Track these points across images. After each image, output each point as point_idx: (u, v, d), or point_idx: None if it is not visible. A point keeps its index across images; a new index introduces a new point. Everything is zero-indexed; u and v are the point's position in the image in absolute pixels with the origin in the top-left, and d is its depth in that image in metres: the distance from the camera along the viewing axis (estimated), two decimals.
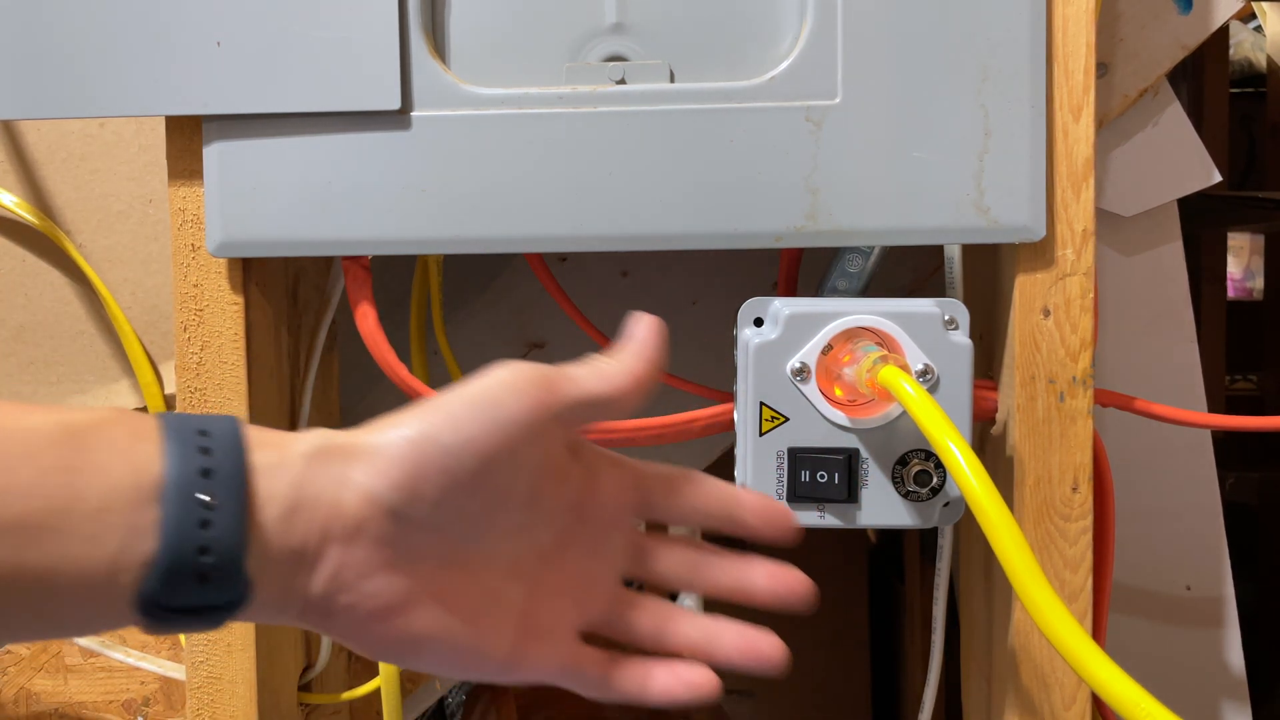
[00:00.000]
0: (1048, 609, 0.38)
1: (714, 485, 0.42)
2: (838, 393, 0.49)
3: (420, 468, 0.36)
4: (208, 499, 0.33)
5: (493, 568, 0.39)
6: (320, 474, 0.36)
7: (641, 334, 0.42)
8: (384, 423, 0.37)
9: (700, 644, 0.41)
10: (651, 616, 0.42)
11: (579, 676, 0.40)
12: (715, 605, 0.45)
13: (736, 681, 1.53)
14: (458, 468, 0.37)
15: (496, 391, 0.38)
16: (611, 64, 0.52)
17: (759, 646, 0.41)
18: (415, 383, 0.55)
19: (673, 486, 0.42)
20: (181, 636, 0.70)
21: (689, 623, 0.42)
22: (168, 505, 0.33)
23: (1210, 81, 1.24)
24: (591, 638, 0.42)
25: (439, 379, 0.72)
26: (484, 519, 0.38)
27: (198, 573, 0.33)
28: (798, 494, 0.49)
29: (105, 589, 0.33)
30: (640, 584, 0.44)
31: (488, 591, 0.39)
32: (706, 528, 0.43)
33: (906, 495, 0.49)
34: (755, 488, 0.49)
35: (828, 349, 0.49)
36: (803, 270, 0.62)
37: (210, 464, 0.34)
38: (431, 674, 0.39)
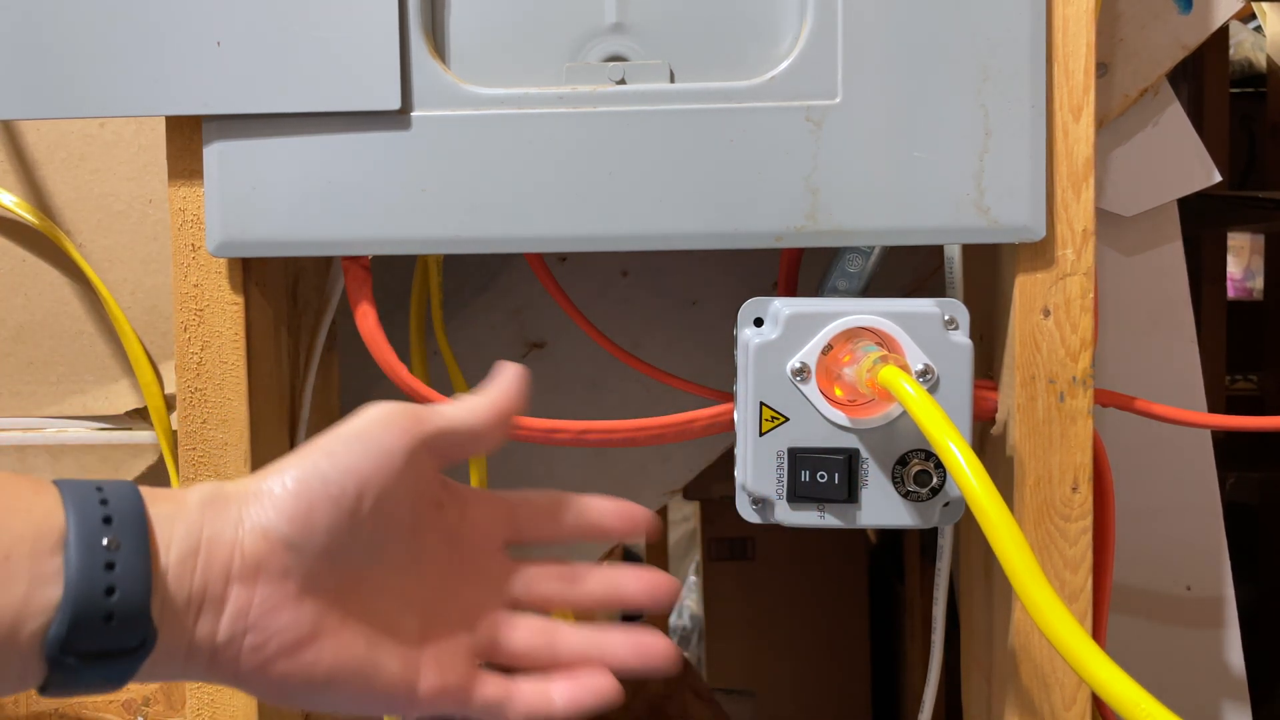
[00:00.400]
0: (1048, 609, 0.38)
1: (574, 501, 0.46)
2: (838, 393, 0.49)
3: (309, 500, 0.39)
4: (110, 541, 0.35)
5: (386, 599, 0.41)
6: (216, 518, 0.38)
7: (504, 377, 0.45)
8: (268, 469, 0.40)
9: (590, 651, 0.44)
10: (539, 634, 0.44)
11: (482, 703, 0.42)
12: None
13: (736, 681, 1.53)
14: (341, 495, 0.39)
15: (368, 426, 0.40)
16: (611, 64, 0.52)
17: (647, 644, 0.44)
18: (415, 383, 0.55)
19: (539, 511, 0.46)
20: None
21: (574, 634, 0.44)
22: (71, 550, 0.34)
23: (1210, 81, 1.24)
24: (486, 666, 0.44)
25: (439, 379, 0.72)
26: (374, 547, 0.41)
27: (104, 614, 0.34)
28: (798, 494, 0.49)
29: (11, 635, 0.33)
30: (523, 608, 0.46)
31: (384, 622, 0.41)
32: (576, 541, 0.46)
33: (906, 495, 0.49)
34: (755, 488, 0.49)
35: (828, 349, 0.49)
36: (803, 270, 0.62)
37: (110, 512, 0.35)
38: (335, 712, 0.40)
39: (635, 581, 0.45)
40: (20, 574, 0.33)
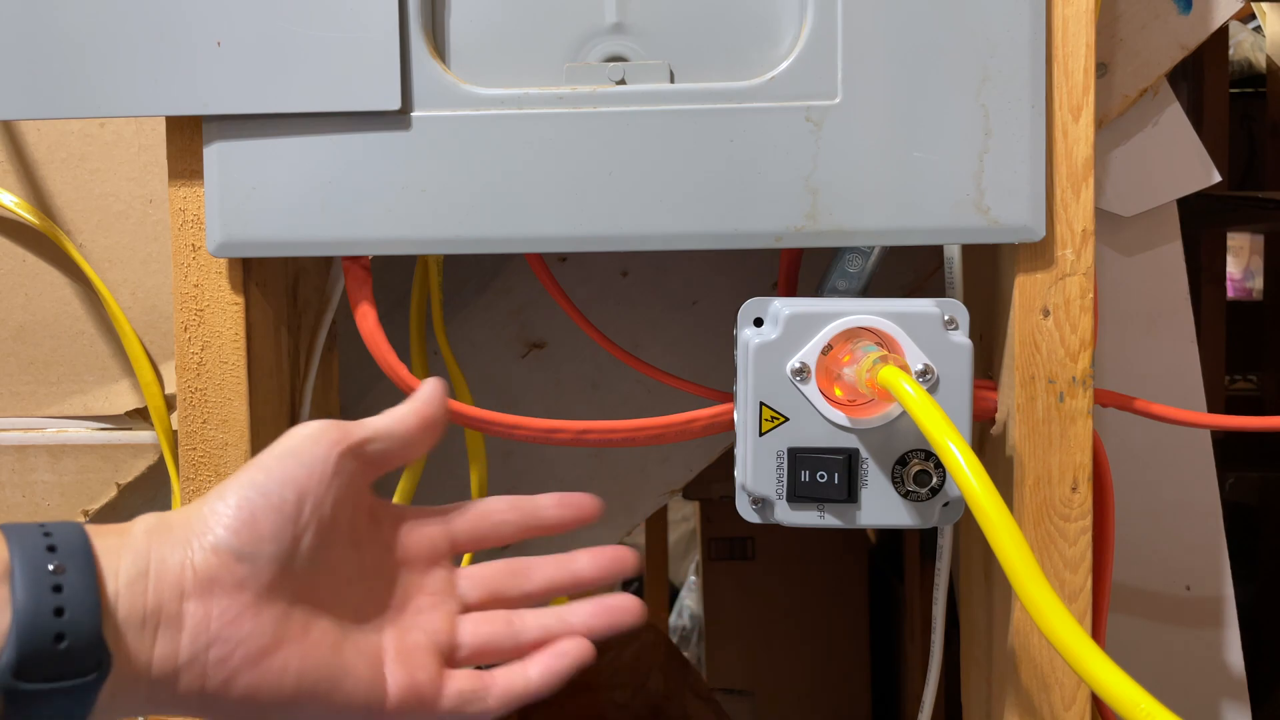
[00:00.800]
0: (1047, 609, 0.38)
1: (507, 501, 0.47)
2: (838, 393, 0.49)
3: (251, 511, 0.40)
4: (55, 567, 0.35)
5: (340, 608, 0.42)
6: (163, 543, 0.39)
7: (426, 387, 0.47)
8: (205, 495, 0.41)
9: (554, 626, 0.45)
10: (497, 623, 0.45)
11: (456, 696, 0.43)
12: None
13: (736, 681, 1.53)
14: (281, 503, 0.40)
15: (298, 442, 0.42)
16: (611, 64, 0.52)
17: (611, 604, 0.45)
18: (415, 383, 0.55)
19: (472, 515, 0.47)
20: None
21: (533, 614, 0.45)
22: (16, 578, 0.34)
23: (1210, 81, 1.24)
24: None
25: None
26: (319, 552, 0.42)
27: (53, 635, 0.34)
28: (798, 494, 0.49)
29: None
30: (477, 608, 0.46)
31: (344, 633, 0.42)
32: (516, 539, 0.47)
33: (906, 495, 0.49)
34: (755, 488, 0.49)
35: (828, 349, 0.49)
36: (803, 270, 0.62)
37: (54, 543, 0.36)
38: None
39: (587, 558, 0.46)
40: None
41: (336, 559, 0.43)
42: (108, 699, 0.36)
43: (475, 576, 0.46)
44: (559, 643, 0.44)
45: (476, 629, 0.45)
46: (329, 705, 0.40)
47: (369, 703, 0.41)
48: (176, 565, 0.38)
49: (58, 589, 0.35)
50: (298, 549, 0.41)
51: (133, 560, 0.38)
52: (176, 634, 0.38)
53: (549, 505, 0.47)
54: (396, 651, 0.43)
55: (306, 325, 0.64)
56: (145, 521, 0.40)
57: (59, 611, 0.34)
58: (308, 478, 0.41)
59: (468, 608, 0.45)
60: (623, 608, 0.45)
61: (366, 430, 0.44)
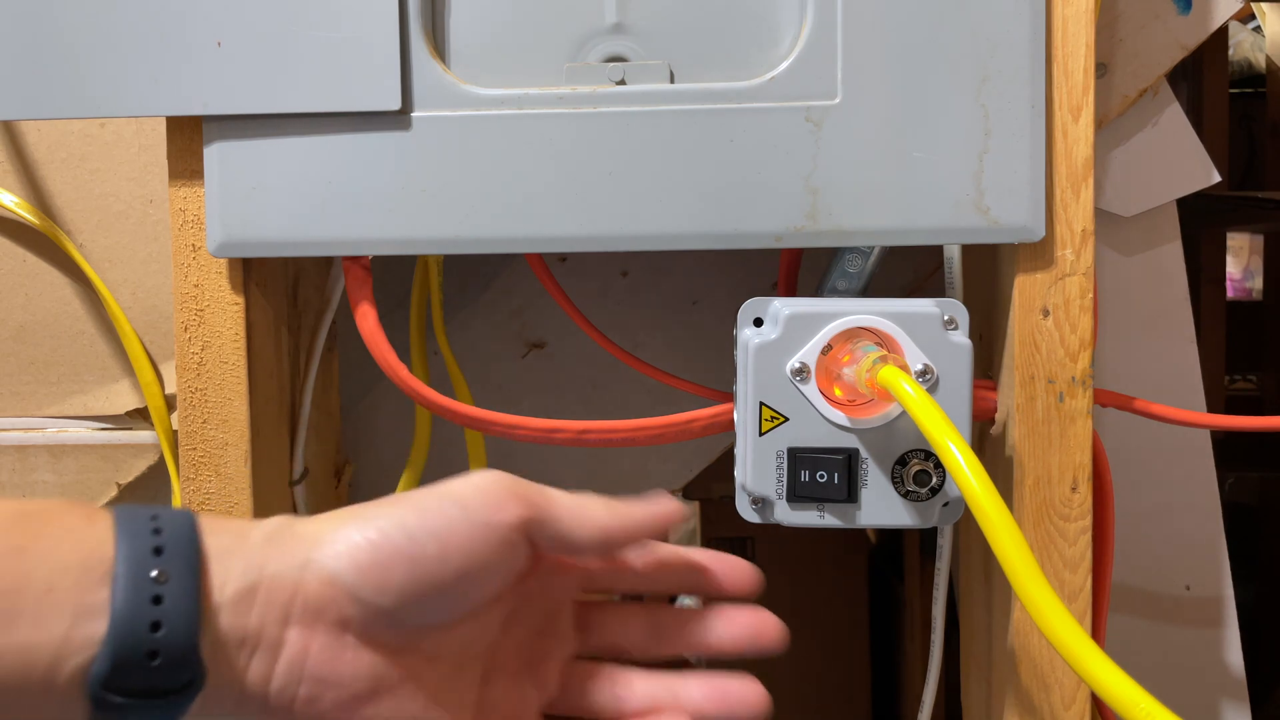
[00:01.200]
0: (1047, 609, 0.38)
1: (653, 548, 0.42)
2: (837, 393, 0.49)
3: (387, 554, 0.35)
4: (159, 574, 0.33)
5: (445, 653, 0.38)
6: (281, 556, 0.35)
7: (657, 503, 0.40)
8: (351, 512, 0.37)
9: (662, 697, 0.40)
10: (608, 684, 0.40)
11: None
12: None
13: None
14: (421, 556, 0.36)
15: (471, 493, 0.37)
16: (611, 64, 0.52)
17: (731, 690, 0.40)
18: (415, 383, 0.55)
19: (614, 564, 0.42)
20: None
21: (644, 682, 0.40)
22: (118, 582, 0.32)
23: (1210, 81, 1.24)
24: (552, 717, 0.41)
25: (439, 379, 0.72)
26: (445, 614, 0.37)
27: (148, 651, 0.32)
28: (798, 494, 0.49)
29: (51, 672, 0.31)
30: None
31: (443, 677, 0.38)
32: (657, 590, 0.43)
33: (906, 495, 0.49)
34: (755, 488, 0.49)
35: (827, 349, 0.49)
36: (803, 270, 0.62)
37: (162, 543, 0.33)
38: None
39: (730, 625, 0.41)
40: (63, 607, 0.31)
41: (459, 617, 0.38)
42: (197, 709, 0.34)
43: (605, 626, 0.42)
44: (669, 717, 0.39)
45: (588, 688, 0.40)
46: None
47: None
48: (288, 586, 0.35)
49: (158, 600, 0.32)
50: (421, 608, 0.36)
51: (244, 571, 0.34)
52: (272, 660, 0.35)
53: (713, 563, 0.42)
54: (499, 709, 0.39)
55: (306, 325, 0.64)
56: (268, 528, 0.36)
57: (156, 626, 0.32)
58: (464, 541, 0.36)
59: (585, 653, 0.41)
60: (743, 698, 0.39)
61: (558, 510, 0.38)
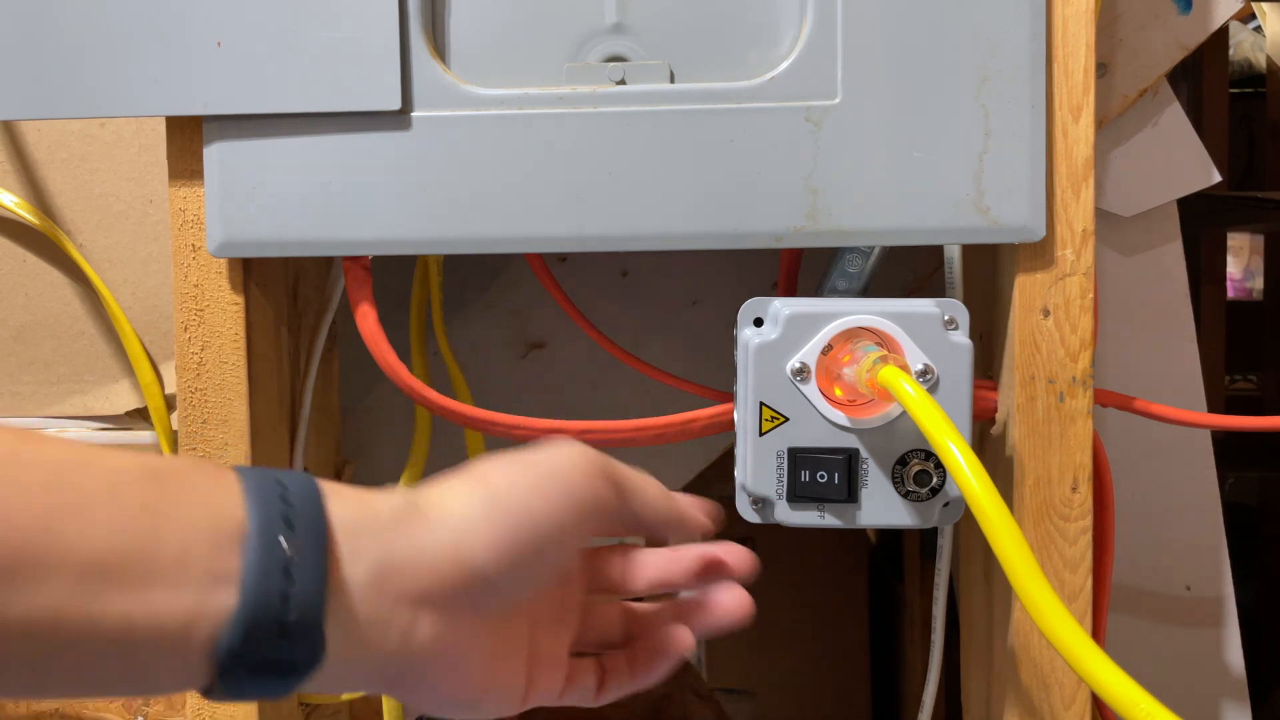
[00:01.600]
0: (1047, 609, 0.38)
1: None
2: (838, 393, 0.49)
3: (517, 541, 0.36)
4: (290, 546, 0.32)
5: (516, 612, 0.40)
6: (412, 536, 0.35)
7: (703, 505, 0.43)
8: (471, 485, 0.37)
9: (665, 569, 0.43)
10: (613, 581, 0.43)
11: (579, 690, 0.41)
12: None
13: (736, 681, 1.53)
14: (543, 537, 0.37)
15: (574, 477, 0.38)
16: (611, 64, 0.52)
17: (716, 554, 0.43)
18: (415, 383, 0.55)
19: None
20: None
21: (648, 562, 0.43)
22: (250, 550, 0.31)
23: (1210, 81, 1.24)
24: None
25: (439, 379, 0.72)
26: (537, 584, 0.39)
27: (278, 625, 0.31)
28: (798, 494, 0.49)
29: (181, 637, 0.31)
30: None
31: (511, 633, 0.39)
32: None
33: (906, 495, 0.49)
34: (755, 488, 0.49)
35: (828, 349, 0.49)
36: (803, 270, 0.62)
37: (290, 514, 0.33)
38: (444, 716, 0.40)
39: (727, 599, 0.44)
40: (195, 572, 0.31)
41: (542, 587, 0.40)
42: (310, 677, 0.34)
43: (603, 565, 0.44)
44: (672, 632, 0.42)
45: (599, 614, 0.43)
46: (477, 704, 0.39)
47: (514, 703, 0.40)
48: (425, 571, 0.35)
49: (288, 574, 0.32)
50: (526, 581, 0.38)
51: (376, 551, 0.34)
52: (396, 638, 0.35)
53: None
54: (543, 655, 0.41)
55: (306, 325, 0.64)
56: (393, 503, 0.36)
57: (285, 600, 0.31)
58: (574, 522, 0.38)
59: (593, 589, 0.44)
60: (734, 557, 0.43)
61: (634, 491, 0.40)
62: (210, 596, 0.31)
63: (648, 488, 0.41)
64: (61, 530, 0.29)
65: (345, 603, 0.33)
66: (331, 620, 0.33)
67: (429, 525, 0.36)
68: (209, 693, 0.32)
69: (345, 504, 0.35)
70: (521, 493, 0.37)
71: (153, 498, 0.31)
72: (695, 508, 0.43)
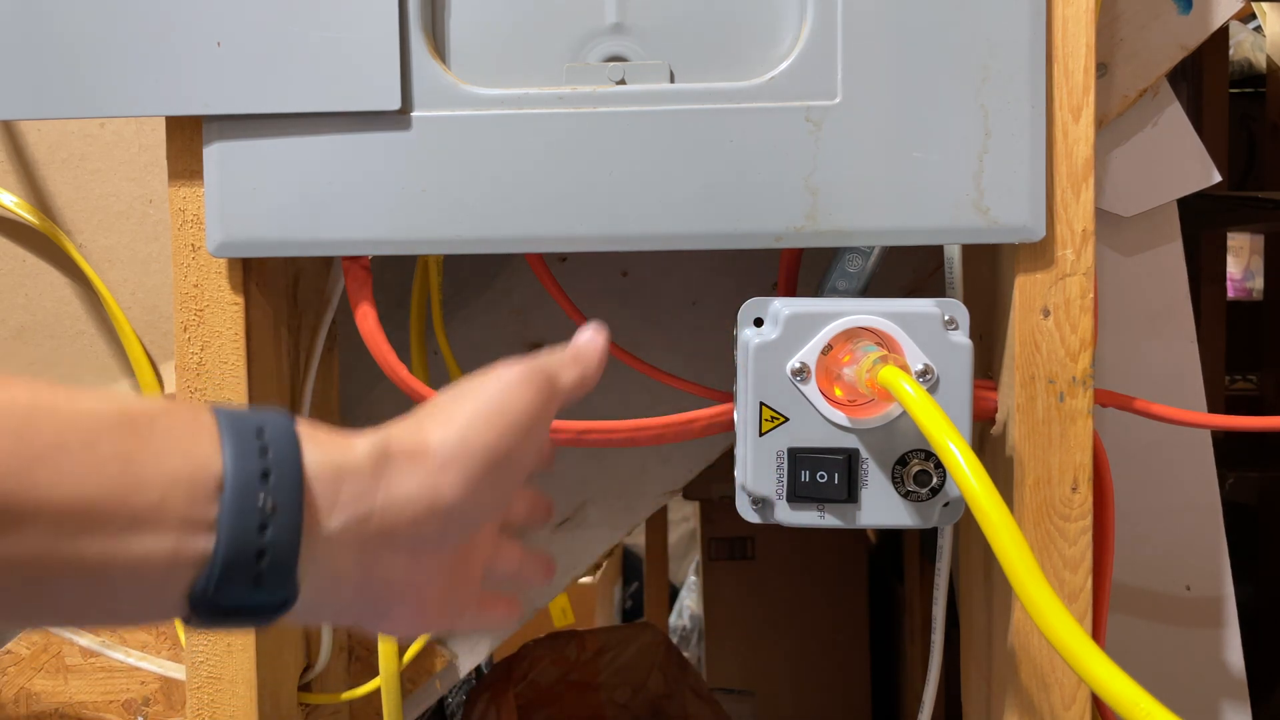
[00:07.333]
0: (1047, 609, 0.38)
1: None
2: (838, 393, 0.49)
3: (477, 469, 0.38)
4: (267, 504, 0.33)
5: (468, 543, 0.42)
6: (391, 485, 0.36)
7: (592, 332, 0.46)
8: (435, 418, 0.39)
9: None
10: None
11: (485, 615, 0.44)
12: None
13: (736, 681, 1.53)
14: (495, 468, 0.38)
15: (517, 405, 0.40)
16: (611, 64, 0.52)
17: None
18: (415, 383, 0.55)
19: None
20: (180, 636, 0.70)
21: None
22: (227, 505, 0.32)
23: (1210, 81, 1.24)
24: None
25: (439, 379, 0.72)
26: (492, 513, 0.41)
27: (252, 575, 0.33)
28: (798, 494, 0.49)
29: (159, 582, 0.32)
30: None
31: (461, 562, 0.42)
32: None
33: (906, 495, 0.49)
34: (755, 488, 0.49)
35: (828, 349, 0.49)
36: (803, 270, 0.62)
37: (268, 465, 0.33)
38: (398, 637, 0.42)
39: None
40: (173, 520, 0.32)
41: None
42: (283, 616, 0.35)
43: None
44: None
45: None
46: (419, 625, 0.41)
47: (444, 623, 0.42)
48: (404, 519, 0.36)
49: (264, 528, 0.33)
50: (491, 511, 0.40)
51: (355, 504, 0.35)
52: (364, 577, 0.36)
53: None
54: (472, 579, 0.43)
55: (306, 325, 0.64)
56: (368, 447, 0.36)
57: (260, 554, 0.33)
58: (532, 450, 0.40)
59: None
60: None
61: (568, 381, 0.43)
62: (187, 543, 0.32)
63: (565, 375, 0.43)
64: (35, 479, 0.30)
65: (320, 551, 0.35)
66: (306, 568, 0.34)
67: (406, 471, 0.37)
68: (186, 623, 0.34)
69: (323, 450, 0.35)
70: (483, 427, 0.38)
71: (128, 446, 0.32)
72: (590, 347, 0.45)
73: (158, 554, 0.32)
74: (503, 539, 0.45)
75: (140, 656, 0.73)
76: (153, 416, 0.33)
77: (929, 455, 0.49)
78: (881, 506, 0.49)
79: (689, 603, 1.91)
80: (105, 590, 0.31)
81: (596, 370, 0.45)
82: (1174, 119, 0.69)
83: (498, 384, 0.40)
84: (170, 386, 0.72)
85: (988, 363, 0.57)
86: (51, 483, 0.30)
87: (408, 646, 0.42)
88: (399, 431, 0.38)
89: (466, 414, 0.39)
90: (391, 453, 0.37)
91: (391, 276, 0.76)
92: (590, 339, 0.45)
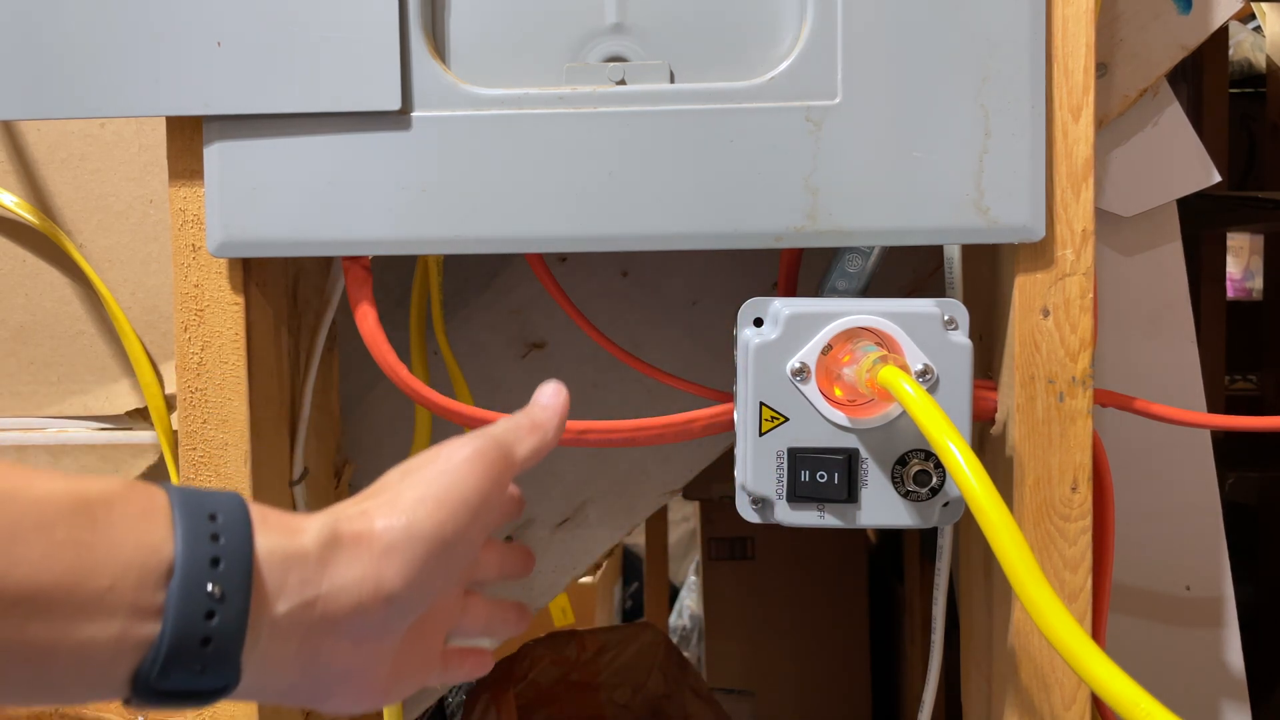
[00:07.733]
0: (1047, 609, 0.38)
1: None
2: (838, 393, 0.49)
3: (428, 564, 0.38)
4: (215, 590, 0.33)
5: (424, 622, 0.42)
6: (336, 573, 0.37)
7: (551, 393, 0.46)
8: (381, 506, 0.39)
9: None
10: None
11: (452, 671, 0.45)
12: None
13: (736, 681, 1.53)
14: (452, 555, 0.39)
15: (470, 490, 0.40)
16: (611, 64, 0.52)
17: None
18: (415, 383, 0.55)
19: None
20: None
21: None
22: (175, 592, 0.33)
23: (1210, 81, 1.24)
24: None
25: (439, 379, 0.72)
26: (441, 594, 0.41)
27: (196, 661, 0.33)
28: (798, 494, 0.49)
29: (104, 666, 0.32)
30: None
31: (411, 642, 0.41)
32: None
33: (906, 495, 0.49)
34: (755, 488, 0.49)
35: (828, 349, 0.49)
36: (803, 270, 0.62)
37: (219, 552, 0.34)
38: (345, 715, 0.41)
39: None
40: (121, 607, 0.32)
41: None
42: (223, 698, 0.35)
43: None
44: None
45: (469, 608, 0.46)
46: (372, 702, 0.40)
47: (396, 695, 0.42)
48: (347, 606, 0.36)
49: (211, 615, 0.33)
50: (438, 593, 0.40)
51: (301, 591, 0.36)
52: (308, 661, 0.37)
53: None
54: (430, 648, 0.43)
55: (306, 325, 0.64)
56: (317, 532, 0.37)
57: (206, 641, 0.33)
58: (480, 532, 0.41)
59: None
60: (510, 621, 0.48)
61: (525, 451, 0.43)
62: (134, 629, 0.32)
63: (522, 445, 0.43)
64: None
65: (264, 637, 0.35)
66: (249, 654, 0.34)
67: (350, 557, 0.37)
68: (126, 704, 0.34)
69: (273, 536, 0.36)
70: (431, 510, 0.39)
71: (81, 533, 0.32)
72: (547, 412, 0.45)
73: (103, 639, 0.32)
74: (469, 598, 0.45)
75: None
76: (109, 501, 0.33)
77: (929, 455, 0.49)
78: (881, 506, 0.49)
79: (689, 603, 1.91)
80: (48, 673, 0.32)
81: (556, 434, 0.44)
82: (1174, 119, 0.69)
83: (447, 463, 0.40)
84: (170, 386, 0.72)
85: (988, 363, 0.57)
86: (3, 571, 0.30)
87: None
88: (348, 514, 0.38)
89: (413, 497, 0.39)
90: (340, 537, 0.37)
91: (391, 276, 0.76)
92: (548, 404, 0.45)
